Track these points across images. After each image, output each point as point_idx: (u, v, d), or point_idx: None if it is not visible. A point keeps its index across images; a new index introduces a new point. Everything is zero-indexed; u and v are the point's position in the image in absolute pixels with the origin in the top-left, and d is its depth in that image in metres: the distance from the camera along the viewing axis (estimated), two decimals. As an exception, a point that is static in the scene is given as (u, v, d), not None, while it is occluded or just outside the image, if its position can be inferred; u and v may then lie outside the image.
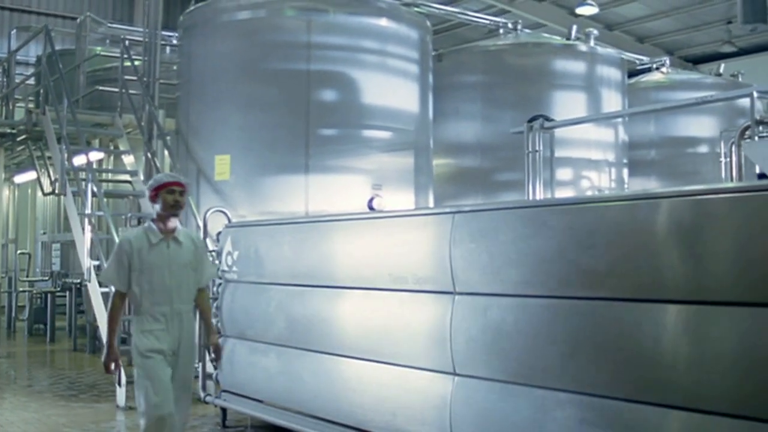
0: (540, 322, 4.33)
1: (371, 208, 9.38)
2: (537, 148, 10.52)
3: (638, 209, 3.93)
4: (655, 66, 15.93)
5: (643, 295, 3.85)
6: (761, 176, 8.02)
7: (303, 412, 6.12)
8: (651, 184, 14.24)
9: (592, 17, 20.03)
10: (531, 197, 10.54)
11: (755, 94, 7.91)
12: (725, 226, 3.57)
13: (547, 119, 10.44)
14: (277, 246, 6.55)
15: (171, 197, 5.09)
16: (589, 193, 11.71)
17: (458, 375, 4.79)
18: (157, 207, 5.14)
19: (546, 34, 14.30)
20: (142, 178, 10.77)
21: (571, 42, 12.62)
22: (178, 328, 5.10)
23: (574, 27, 12.87)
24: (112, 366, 5.13)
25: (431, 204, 10.56)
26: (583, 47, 12.50)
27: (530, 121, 10.58)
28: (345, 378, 5.69)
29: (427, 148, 10.50)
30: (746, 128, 8.11)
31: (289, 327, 6.26)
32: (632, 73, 16.61)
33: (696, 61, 23.33)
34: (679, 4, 20.17)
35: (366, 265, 5.57)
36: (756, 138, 7.74)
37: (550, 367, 4.25)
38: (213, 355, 5.95)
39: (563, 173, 11.81)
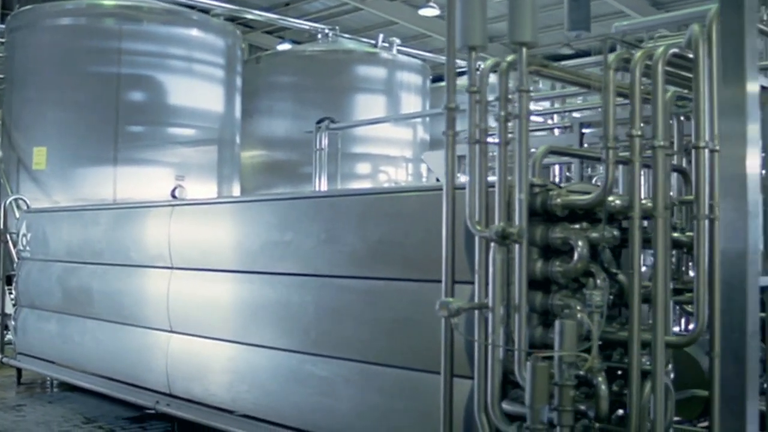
0: (234, 289, 5.76)
1: (174, 196, 10.67)
2: (323, 146, 12.03)
3: (276, 206, 5.43)
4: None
5: (278, 270, 5.33)
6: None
7: (73, 367, 7.41)
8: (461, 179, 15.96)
9: (441, 16, 21.18)
10: (317, 189, 12.02)
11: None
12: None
13: (333, 121, 11.94)
14: (57, 230, 7.80)
15: None
16: (385, 185, 13.27)
17: (174, 332, 6.19)
18: None
19: (365, 39, 15.79)
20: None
21: (376, 50, 14.14)
22: None
23: (381, 36, 14.38)
24: None
25: (237, 193, 11.92)
26: (386, 55, 14.04)
27: (318, 122, 12.07)
28: (101, 337, 7.02)
29: (232, 143, 11.84)
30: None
31: (65, 297, 7.53)
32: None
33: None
34: (519, 8, 21.66)
35: (118, 245, 6.89)
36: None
37: (244, 325, 5.65)
38: None
39: (362, 167, 13.38)
